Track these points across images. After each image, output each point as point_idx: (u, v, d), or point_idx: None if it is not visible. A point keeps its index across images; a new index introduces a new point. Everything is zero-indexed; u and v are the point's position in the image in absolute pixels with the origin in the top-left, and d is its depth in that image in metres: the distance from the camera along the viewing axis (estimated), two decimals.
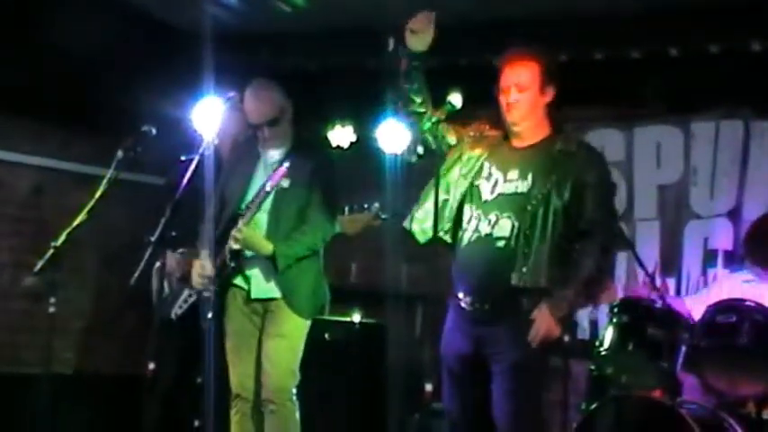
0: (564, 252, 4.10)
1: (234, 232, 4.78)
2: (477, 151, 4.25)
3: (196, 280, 4.93)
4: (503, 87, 4.13)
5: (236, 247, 4.86)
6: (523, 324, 4.04)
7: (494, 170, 4.17)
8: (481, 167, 4.23)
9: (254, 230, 4.81)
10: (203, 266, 4.89)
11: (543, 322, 4.02)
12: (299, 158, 4.91)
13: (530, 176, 4.05)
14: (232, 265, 4.88)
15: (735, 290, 5.44)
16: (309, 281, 4.91)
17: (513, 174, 4.10)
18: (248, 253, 4.85)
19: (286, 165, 4.71)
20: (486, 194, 4.14)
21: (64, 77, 6.04)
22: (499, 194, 4.12)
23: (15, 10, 5.78)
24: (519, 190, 4.10)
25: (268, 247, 4.77)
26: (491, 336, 4.10)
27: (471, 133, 4.29)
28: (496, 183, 4.14)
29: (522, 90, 4.10)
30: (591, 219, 4.10)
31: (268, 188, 4.69)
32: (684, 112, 6.25)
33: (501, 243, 4.06)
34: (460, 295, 4.14)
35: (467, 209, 4.19)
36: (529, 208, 4.04)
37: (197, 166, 4.65)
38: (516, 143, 4.12)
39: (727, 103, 6.10)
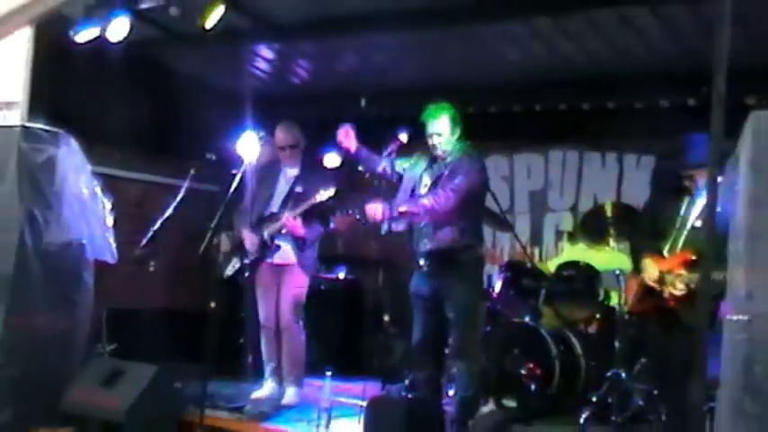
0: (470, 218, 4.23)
1: (284, 222, 4.79)
2: (420, 165, 4.36)
3: (250, 247, 4.96)
4: (427, 135, 4.28)
5: (273, 232, 4.88)
6: (462, 273, 4.15)
7: (426, 180, 4.33)
8: (421, 179, 4.33)
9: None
10: (252, 239, 4.98)
11: None
12: (310, 174, 5.04)
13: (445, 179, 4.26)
14: (276, 244, 4.93)
15: (575, 255, 5.65)
16: (313, 251, 5.07)
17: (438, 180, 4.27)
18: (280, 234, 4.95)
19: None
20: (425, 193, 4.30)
21: (160, 124, 6.13)
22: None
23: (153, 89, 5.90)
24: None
25: (302, 233, 4.90)
26: (442, 285, 4.22)
27: (414, 159, 4.42)
28: (429, 188, 4.28)
29: (439, 135, 4.22)
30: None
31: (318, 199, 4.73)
32: (544, 145, 6.36)
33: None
34: (420, 260, 4.29)
35: None
36: None
37: (240, 179, 4.64)
38: (443, 162, 4.28)
39: (569, 140, 6.23)
